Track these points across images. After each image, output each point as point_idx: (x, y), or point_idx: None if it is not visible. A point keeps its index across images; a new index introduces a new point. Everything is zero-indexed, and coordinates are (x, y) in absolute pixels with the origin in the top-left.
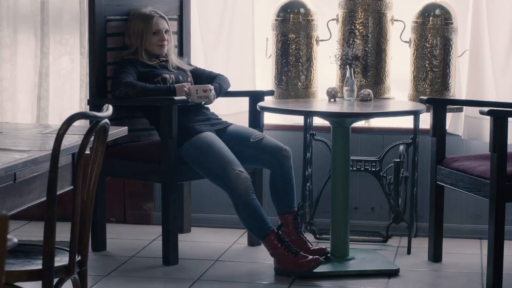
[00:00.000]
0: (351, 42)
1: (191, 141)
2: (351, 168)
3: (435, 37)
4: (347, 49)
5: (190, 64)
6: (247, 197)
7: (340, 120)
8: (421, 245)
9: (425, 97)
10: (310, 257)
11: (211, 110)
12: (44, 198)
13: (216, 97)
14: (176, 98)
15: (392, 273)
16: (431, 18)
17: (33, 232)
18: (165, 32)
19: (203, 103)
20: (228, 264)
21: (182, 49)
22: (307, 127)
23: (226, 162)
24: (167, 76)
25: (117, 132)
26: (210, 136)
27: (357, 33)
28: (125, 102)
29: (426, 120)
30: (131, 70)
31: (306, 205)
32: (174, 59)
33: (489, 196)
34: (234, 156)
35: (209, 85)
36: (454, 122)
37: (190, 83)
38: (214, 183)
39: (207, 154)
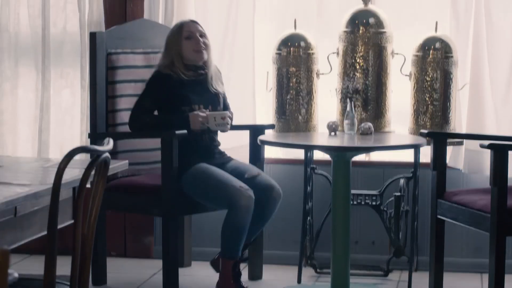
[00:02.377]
0: (351, 75)
1: (188, 172)
2: (351, 202)
3: (435, 71)
4: (347, 82)
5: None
6: (243, 216)
7: (340, 154)
8: (421, 279)
9: (426, 131)
10: None
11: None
12: (45, 232)
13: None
14: (177, 132)
15: None
16: (431, 51)
17: (34, 266)
18: (201, 36)
19: (219, 131)
20: None
21: None
22: (307, 161)
23: (226, 181)
24: (196, 107)
25: (118, 166)
26: (203, 165)
27: (358, 67)
28: (126, 137)
29: (426, 154)
30: (153, 98)
31: (306, 239)
32: (214, 75)
33: (489, 230)
34: (233, 177)
35: (227, 112)
36: (455, 156)
37: (208, 110)
38: (217, 206)
39: (206, 180)
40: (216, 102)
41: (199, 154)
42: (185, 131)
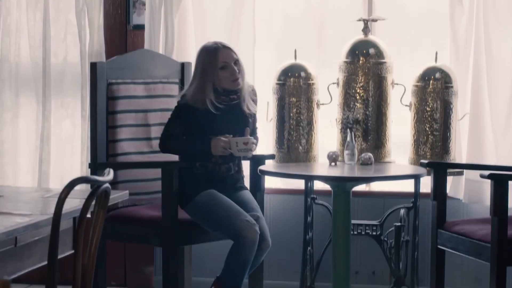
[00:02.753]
0: (351, 105)
1: (199, 196)
2: (352, 232)
3: (435, 101)
4: (347, 112)
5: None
6: (248, 250)
7: (341, 184)
8: None
9: (426, 161)
10: None
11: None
12: (45, 262)
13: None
14: (177, 162)
15: None
16: (431, 81)
17: None
18: (235, 63)
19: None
20: None
21: None
22: (308, 191)
23: (234, 212)
24: (224, 137)
25: (118, 196)
26: (217, 193)
27: (358, 97)
28: (126, 167)
29: (427, 184)
30: (180, 126)
31: (306, 269)
32: (246, 96)
33: (490, 260)
34: (240, 207)
35: (250, 137)
36: (455, 186)
37: (231, 135)
38: (223, 235)
39: (214, 208)
40: (243, 128)
41: (211, 181)
42: (185, 162)
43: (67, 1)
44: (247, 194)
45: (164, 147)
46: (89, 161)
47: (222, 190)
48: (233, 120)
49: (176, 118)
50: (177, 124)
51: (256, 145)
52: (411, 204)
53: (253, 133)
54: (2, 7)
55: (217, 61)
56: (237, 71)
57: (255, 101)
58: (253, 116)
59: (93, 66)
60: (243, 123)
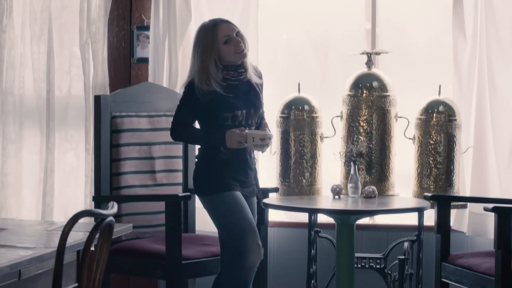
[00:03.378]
0: (355, 139)
1: (223, 194)
2: (355, 265)
3: (439, 134)
4: (351, 146)
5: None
6: (245, 275)
7: (344, 217)
8: None
9: (430, 194)
10: None
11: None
12: None
13: None
14: (181, 195)
15: None
16: (434, 114)
17: None
18: (237, 35)
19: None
20: None
21: (187, 164)
22: (311, 224)
23: (251, 230)
24: (239, 113)
25: (122, 229)
26: (241, 198)
27: (361, 130)
28: (130, 200)
29: (430, 217)
30: (190, 110)
31: None
32: (250, 68)
33: None
34: (254, 224)
35: (269, 133)
36: (459, 219)
37: (247, 128)
38: (228, 240)
39: (235, 213)
40: (258, 101)
41: (235, 170)
42: (188, 194)
43: (71, 34)
44: (254, 205)
45: (176, 135)
46: (93, 193)
47: (243, 186)
48: (243, 95)
49: (185, 103)
50: (187, 109)
51: (271, 139)
52: (415, 237)
53: (262, 114)
54: (7, 40)
55: (218, 36)
56: (241, 42)
57: (260, 85)
58: (261, 89)
59: (97, 99)
60: (254, 95)
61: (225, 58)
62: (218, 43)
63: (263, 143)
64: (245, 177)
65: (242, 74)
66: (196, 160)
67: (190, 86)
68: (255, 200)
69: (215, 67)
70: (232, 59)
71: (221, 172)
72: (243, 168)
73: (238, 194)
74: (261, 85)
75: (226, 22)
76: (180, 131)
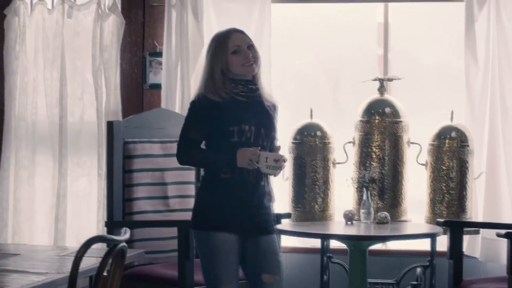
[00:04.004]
0: (367, 164)
1: (210, 234)
2: None
3: (451, 160)
4: (363, 171)
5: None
6: None
7: (357, 243)
8: None
9: (442, 220)
10: None
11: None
12: None
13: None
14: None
15: None
16: (447, 140)
17: None
18: (249, 48)
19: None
20: None
21: (200, 174)
22: (324, 250)
23: (227, 282)
24: (246, 127)
25: (134, 255)
26: (230, 243)
27: (374, 156)
28: (142, 225)
29: (443, 242)
30: (197, 127)
31: None
32: (265, 91)
33: None
34: (235, 274)
35: (282, 155)
36: (471, 244)
37: (259, 148)
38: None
39: (216, 258)
40: (270, 122)
41: (234, 195)
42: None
43: (84, 60)
44: (271, 246)
45: (182, 158)
46: (105, 219)
47: (249, 220)
48: (253, 112)
49: (190, 121)
50: (192, 127)
51: (285, 162)
52: (428, 263)
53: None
54: (19, 66)
55: (227, 45)
56: (251, 56)
57: (274, 109)
58: (274, 114)
59: (110, 125)
60: (265, 116)
61: (231, 69)
62: (227, 51)
63: (276, 165)
64: (252, 207)
65: (252, 91)
66: (199, 184)
67: (194, 102)
68: (270, 239)
69: (222, 76)
70: (239, 71)
71: (219, 200)
72: (249, 194)
73: (228, 238)
74: (275, 111)
75: (240, 32)
76: (186, 153)
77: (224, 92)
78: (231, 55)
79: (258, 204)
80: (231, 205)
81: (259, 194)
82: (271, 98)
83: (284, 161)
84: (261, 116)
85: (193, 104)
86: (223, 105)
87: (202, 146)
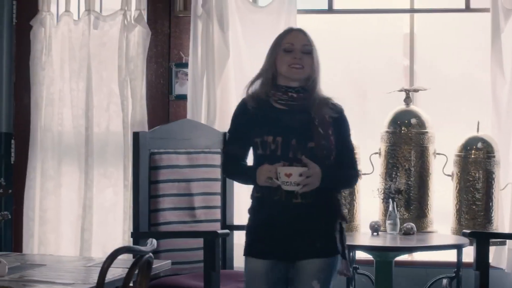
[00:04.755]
0: (393, 175)
1: (246, 258)
2: None
3: (477, 170)
4: (389, 182)
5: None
6: None
7: (383, 254)
8: None
9: (468, 231)
10: None
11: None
12: None
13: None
14: (219, 232)
15: None
16: (473, 151)
17: None
18: (305, 52)
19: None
20: None
21: (225, 200)
22: (350, 261)
23: None
24: (269, 139)
25: (160, 266)
26: (259, 270)
27: (400, 167)
28: (168, 236)
29: (469, 253)
30: (236, 137)
31: None
32: (320, 99)
33: None
34: None
35: (300, 168)
36: (498, 255)
37: (282, 163)
38: None
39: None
40: (308, 133)
41: (266, 215)
42: (227, 231)
43: (110, 71)
44: (309, 271)
45: (224, 171)
46: (131, 230)
47: (283, 243)
48: (286, 121)
49: (232, 129)
50: (232, 138)
51: (310, 176)
52: (454, 274)
53: (346, 157)
54: (46, 77)
55: (283, 41)
56: (300, 58)
57: (340, 121)
58: (333, 122)
59: (136, 136)
60: (303, 126)
61: (278, 67)
62: (279, 47)
63: (289, 180)
64: (287, 229)
65: (294, 100)
66: None
67: (236, 109)
68: (311, 263)
69: (271, 78)
70: (284, 71)
71: (252, 221)
72: (279, 215)
73: (255, 265)
74: (337, 118)
75: (300, 32)
76: (227, 167)
77: (265, 95)
78: (282, 53)
79: (292, 226)
80: (260, 228)
81: (294, 214)
82: (330, 107)
83: (302, 175)
84: (297, 126)
85: (237, 107)
86: (257, 113)
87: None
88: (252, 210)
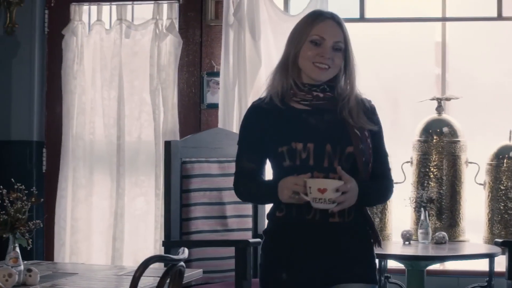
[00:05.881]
0: (425, 184)
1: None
2: None
3: (509, 179)
4: (421, 191)
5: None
6: None
7: (415, 263)
8: None
9: (500, 240)
10: None
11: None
12: None
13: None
14: (251, 241)
15: None
16: (505, 160)
17: None
18: (335, 49)
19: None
20: None
21: (257, 209)
22: (381, 270)
23: None
24: (299, 146)
25: (192, 274)
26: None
27: (432, 176)
28: (200, 245)
29: (501, 263)
30: (249, 149)
31: None
32: (354, 104)
33: None
34: None
35: (337, 181)
36: None
37: (310, 174)
38: None
39: None
40: (345, 134)
41: (290, 238)
42: (258, 240)
43: (142, 80)
44: None
45: (239, 192)
46: (162, 239)
47: (311, 269)
48: (316, 123)
49: (245, 141)
50: (247, 150)
51: (349, 192)
52: (486, 283)
53: (381, 166)
54: (77, 86)
55: (310, 30)
56: (330, 58)
57: (373, 120)
58: (369, 119)
59: (167, 144)
60: (337, 127)
61: (300, 61)
62: (305, 37)
63: (323, 196)
64: (325, 254)
65: (319, 99)
66: None
67: (249, 112)
68: None
69: (292, 71)
70: (305, 66)
71: (276, 247)
72: (320, 238)
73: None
74: (371, 118)
75: (334, 21)
76: (242, 186)
77: (282, 95)
78: (308, 44)
79: (330, 249)
80: (291, 255)
81: (331, 236)
82: (364, 107)
83: (338, 190)
84: (328, 128)
85: (245, 121)
86: (276, 117)
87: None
88: (272, 234)
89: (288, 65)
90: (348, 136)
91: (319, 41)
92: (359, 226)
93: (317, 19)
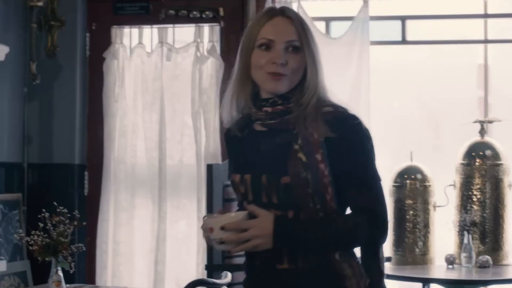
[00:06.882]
0: (468, 208)
1: None
2: None
3: None
4: (464, 215)
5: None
6: None
7: (458, 287)
8: None
9: None
10: None
11: None
12: None
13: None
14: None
15: None
16: None
17: None
18: (289, 48)
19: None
20: None
21: None
22: None
23: None
24: (237, 178)
25: None
26: None
27: (475, 199)
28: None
29: None
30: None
31: None
32: (312, 110)
33: None
34: None
35: (225, 216)
36: None
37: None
38: None
39: None
40: (282, 163)
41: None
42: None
43: (183, 103)
44: None
45: None
46: (205, 262)
47: None
48: (261, 148)
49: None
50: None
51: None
52: None
53: (357, 198)
54: (119, 109)
55: (257, 33)
56: (285, 59)
57: (342, 141)
58: (326, 144)
59: (209, 168)
60: (276, 152)
61: (252, 73)
62: (254, 42)
63: (214, 237)
64: None
65: (274, 116)
66: None
67: (226, 131)
68: None
69: (247, 90)
70: (258, 78)
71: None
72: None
73: None
74: (336, 138)
75: (284, 16)
76: None
77: (242, 114)
78: (257, 50)
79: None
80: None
81: (279, 286)
82: (330, 124)
83: (225, 228)
84: (268, 155)
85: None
86: (235, 141)
87: None
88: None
89: (240, 81)
90: (284, 164)
91: (268, 44)
92: (322, 274)
93: (263, 18)
